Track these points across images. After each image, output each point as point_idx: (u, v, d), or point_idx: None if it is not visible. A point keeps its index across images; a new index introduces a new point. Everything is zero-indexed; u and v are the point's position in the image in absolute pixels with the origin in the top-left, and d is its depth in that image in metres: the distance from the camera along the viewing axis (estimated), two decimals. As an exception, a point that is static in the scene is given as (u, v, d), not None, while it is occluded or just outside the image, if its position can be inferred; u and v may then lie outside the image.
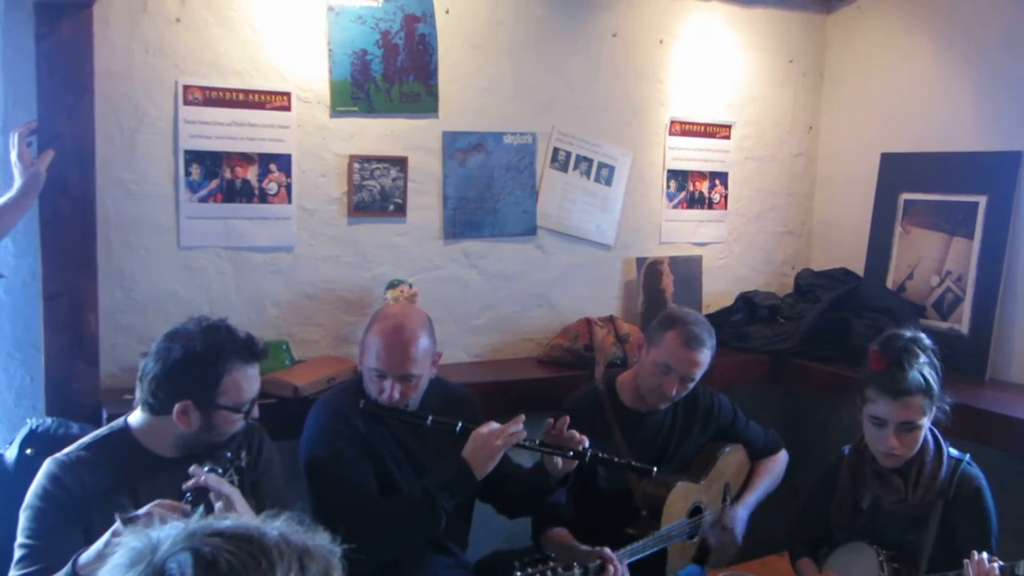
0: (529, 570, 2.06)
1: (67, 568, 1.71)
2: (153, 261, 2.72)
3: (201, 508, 1.76)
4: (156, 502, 1.73)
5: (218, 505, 1.78)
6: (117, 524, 1.68)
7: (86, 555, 1.70)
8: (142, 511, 1.71)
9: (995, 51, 3.19)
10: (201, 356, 1.93)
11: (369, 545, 2.11)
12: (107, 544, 1.66)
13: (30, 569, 1.81)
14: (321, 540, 1.04)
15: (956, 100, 3.32)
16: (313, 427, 2.38)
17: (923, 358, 2.28)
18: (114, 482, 1.91)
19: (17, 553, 1.84)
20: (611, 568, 2.24)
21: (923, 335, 2.35)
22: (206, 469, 1.87)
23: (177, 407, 1.92)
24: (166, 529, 0.98)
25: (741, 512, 2.72)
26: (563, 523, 2.52)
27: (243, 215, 2.80)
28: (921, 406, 2.22)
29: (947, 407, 2.30)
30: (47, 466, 1.91)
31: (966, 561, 2.03)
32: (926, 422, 2.25)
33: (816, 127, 3.86)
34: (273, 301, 2.89)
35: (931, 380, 2.25)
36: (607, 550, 2.28)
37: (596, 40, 3.30)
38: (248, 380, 1.99)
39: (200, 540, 0.96)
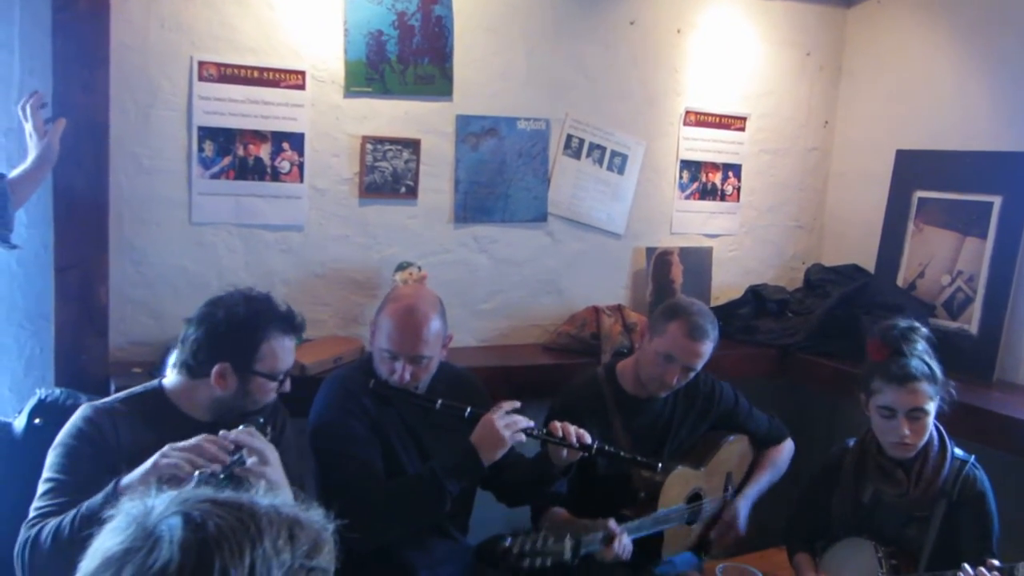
0: (520, 538, 2.08)
1: (108, 488, 1.73)
2: (164, 236, 2.74)
3: (241, 456, 1.78)
4: (203, 436, 1.77)
5: (251, 460, 1.80)
6: (167, 448, 1.73)
7: (130, 477, 1.72)
8: (190, 442, 1.74)
9: (1014, 51, 3.16)
10: (244, 321, 1.99)
11: (372, 523, 2.15)
12: (155, 465, 1.70)
13: (56, 501, 1.81)
14: (315, 514, 1.05)
15: (974, 99, 3.29)
16: (323, 404, 2.39)
17: (921, 345, 2.30)
18: (145, 439, 1.92)
19: (42, 487, 1.85)
20: (616, 542, 2.26)
21: (918, 324, 2.37)
22: (240, 428, 1.89)
23: (216, 369, 1.97)
24: (161, 496, 1.00)
25: (742, 504, 2.73)
26: (562, 506, 2.53)
27: (255, 193, 2.81)
28: (927, 392, 2.24)
29: (952, 393, 2.30)
30: (83, 409, 1.95)
31: (964, 565, 2.03)
32: (933, 409, 2.26)
33: (832, 122, 3.84)
34: (282, 279, 2.90)
35: (933, 366, 2.27)
36: (612, 521, 2.30)
37: (613, 27, 3.29)
38: (285, 350, 2.04)
39: (191, 505, 0.98)
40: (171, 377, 2.06)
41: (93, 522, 1.67)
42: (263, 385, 2.03)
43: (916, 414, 2.24)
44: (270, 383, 2.04)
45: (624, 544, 2.29)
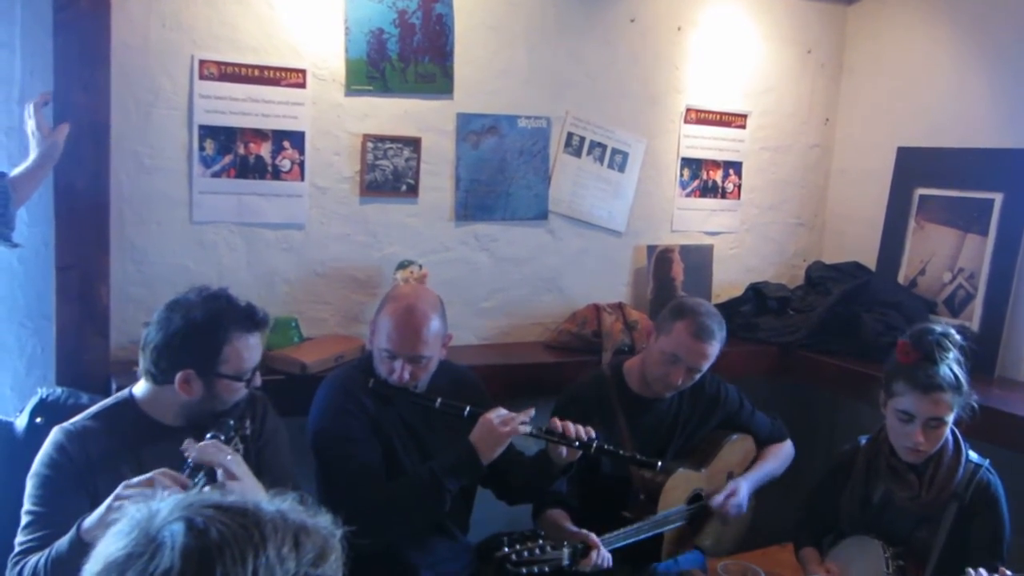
0: (517, 547, 2.07)
1: (72, 532, 1.72)
2: (165, 235, 2.73)
3: (201, 477, 1.77)
4: (160, 470, 1.74)
5: (220, 473, 1.79)
6: (120, 488, 1.70)
7: (90, 519, 1.71)
8: (143, 477, 1.72)
9: (1015, 48, 3.16)
10: (201, 325, 1.94)
11: (373, 523, 2.15)
12: (109, 508, 1.68)
13: (37, 534, 1.82)
14: (322, 521, 1.04)
15: (975, 96, 3.29)
16: (322, 404, 2.39)
17: (953, 354, 2.23)
18: (119, 450, 1.93)
19: (24, 519, 1.86)
20: (594, 553, 2.24)
21: (953, 331, 2.29)
22: (208, 436, 1.88)
23: (179, 376, 1.94)
24: (167, 500, 0.99)
25: (743, 483, 2.68)
26: (563, 507, 2.53)
27: (256, 191, 2.81)
28: (950, 403, 2.19)
29: (973, 406, 2.25)
30: (54, 435, 1.93)
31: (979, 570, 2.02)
32: (951, 419, 2.22)
33: (833, 119, 3.84)
34: (283, 278, 2.90)
35: (961, 377, 2.22)
36: (592, 535, 2.28)
37: (614, 25, 3.29)
38: (249, 349, 2.00)
39: (195, 511, 0.97)
40: (140, 385, 2.03)
41: (62, 564, 1.68)
42: (229, 386, 1.99)
43: (934, 423, 2.20)
44: (236, 383, 2.00)
45: (603, 556, 2.26)
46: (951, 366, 2.21)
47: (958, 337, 2.28)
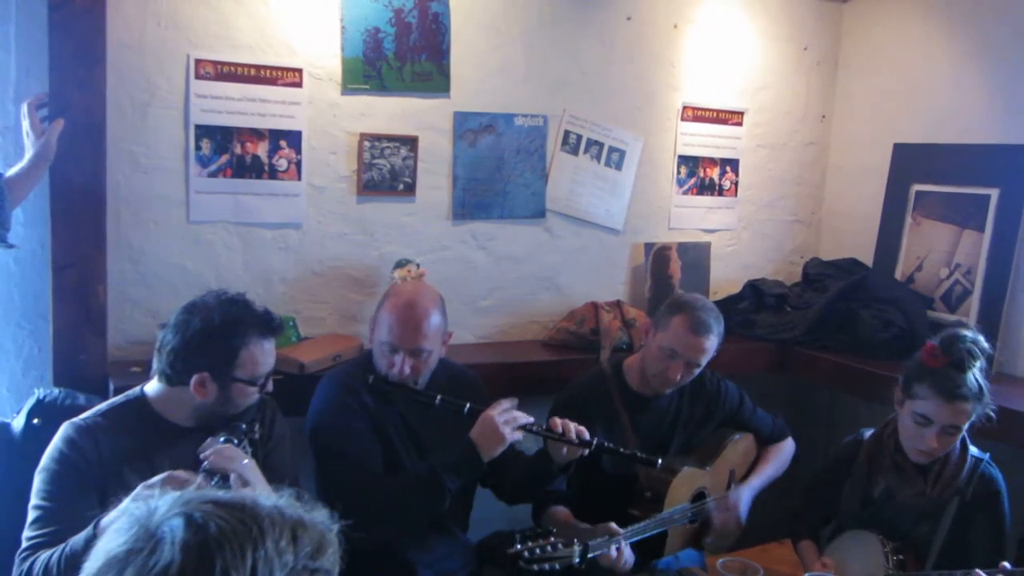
0: (530, 543, 2.07)
1: (88, 530, 1.72)
2: (162, 235, 2.73)
3: (216, 480, 1.78)
4: (175, 472, 1.75)
5: (233, 477, 1.80)
6: (139, 488, 1.70)
7: (108, 518, 1.71)
8: (160, 478, 1.72)
9: (1010, 44, 3.17)
10: (219, 329, 1.95)
11: (372, 520, 2.15)
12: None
13: (45, 530, 1.82)
14: (319, 515, 1.05)
15: (971, 92, 3.30)
16: (322, 401, 2.39)
17: (980, 363, 2.20)
18: (130, 449, 1.93)
19: (31, 514, 1.85)
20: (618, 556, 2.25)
21: (981, 338, 2.24)
22: (221, 439, 1.89)
23: (194, 379, 1.95)
24: (165, 497, 1.00)
25: (745, 492, 2.71)
26: (564, 504, 2.53)
27: (252, 191, 2.81)
28: (971, 411, 2.17)
29: (990, 415, 2.22)
30: (64, 430, 1.93)
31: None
32: (967, 426, 2.20)
33: (829, 116, 3.84)
34: (281, 277, 2.90)
35: (984, 386, 2.19)
36: (613, 524, 2.29)
37: (610, 23, 3.28)
38: (264, 354, 2.02)
39: (194, 506, 0.98)
40: (152, 385, 2.03)
41: (77, 562, 1.69)
42: (244, 390, 2.00)
43: (951, 430, 2.19)
44: (250, 388, 2.01)
45: (625, 558, 2.27)
46: (976, 375, 2.18)
47: (986, 345, 2.24)
